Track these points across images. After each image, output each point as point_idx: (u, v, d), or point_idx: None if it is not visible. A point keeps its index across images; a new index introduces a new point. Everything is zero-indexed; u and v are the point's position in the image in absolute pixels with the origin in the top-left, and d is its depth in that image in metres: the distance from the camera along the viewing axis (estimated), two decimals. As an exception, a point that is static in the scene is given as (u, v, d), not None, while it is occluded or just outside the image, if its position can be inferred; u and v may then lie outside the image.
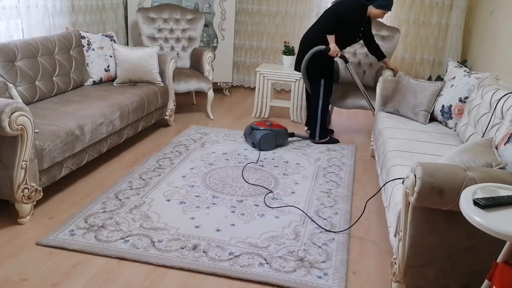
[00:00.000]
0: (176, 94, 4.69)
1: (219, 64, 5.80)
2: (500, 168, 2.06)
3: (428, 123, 3.55)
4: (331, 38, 4.14)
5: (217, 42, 5.91)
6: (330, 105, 4.61)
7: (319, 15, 5.94)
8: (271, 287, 2.25)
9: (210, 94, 4.92)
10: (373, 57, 4.91)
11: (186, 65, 5.25)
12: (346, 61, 4.33)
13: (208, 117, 4.98)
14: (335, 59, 4.27)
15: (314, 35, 4.23)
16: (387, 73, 4.40)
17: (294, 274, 2.33)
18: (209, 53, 5.00)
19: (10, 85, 2.87)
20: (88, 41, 4.08)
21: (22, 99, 3.17)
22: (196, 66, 5.13)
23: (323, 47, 4.13)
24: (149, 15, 5.18)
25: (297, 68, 4.43)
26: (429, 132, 3.34)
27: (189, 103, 5.57)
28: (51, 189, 3.10)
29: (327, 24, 4.16)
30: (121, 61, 4.16)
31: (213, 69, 5.15)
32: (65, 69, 3.79)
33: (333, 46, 4.13)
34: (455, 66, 3.57)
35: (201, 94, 5.33)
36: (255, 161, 3.80)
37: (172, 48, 5.24)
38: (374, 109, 4.27)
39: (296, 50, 5.76)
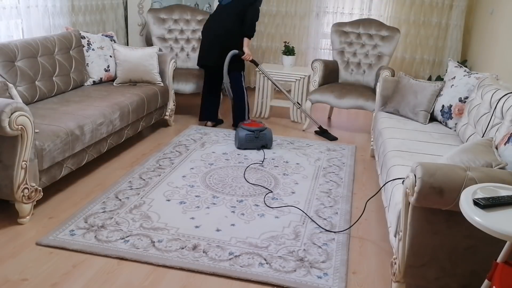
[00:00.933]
0: (185, 94, 4.72)
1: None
2: (500, 168, 2.06)
3: (428, 123, 3.55)
4: (249, 42, 4.39)
5: (217, 42, 5.91)
6: (329, 106, 4.61)
7: (319, 15, 6.00)
8: (271, 287, 2.25)
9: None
10: (373, 57, 4.92)
11: (196, 66, 5.24)
12: (256, 64, 4.57)
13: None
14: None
15: (234, 33, 4.36)
16: (385, 73, 4.40)
17: (294, 274, 2.33)
18: None
19: (10, 85, 2.87)
20: (88, 41, 4.08)
21: (22, 99, 3.17)
22: None
23: (236, 51, 4.31)
24: (159, 15, 5.18)
25: (208, 61, 4.47)
26: (429, 132, 3.34)
27: (197, 104, 5.50)
28: (51, 189, 3.10)
29: (251, 27, 4.33)
30: (121, 61, 4.16)
31: None
32: (65, 69, 3.79)
33: (247, 50, 4.40)
34: (455, 66, 3.57)
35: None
36: (261, 162, 3.78)
37: (182, 49, 5.24)
38: (299, 104, 4.68)
39: (297, 50, 5.79)
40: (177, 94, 4.74)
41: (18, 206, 2.66)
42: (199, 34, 5.27)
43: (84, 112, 3.27)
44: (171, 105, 4.54)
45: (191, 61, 5.25)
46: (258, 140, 4.03)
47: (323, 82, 4.84)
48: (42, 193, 2.76)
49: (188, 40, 5.27)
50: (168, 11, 5.24)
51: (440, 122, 3.55)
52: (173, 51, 5.20)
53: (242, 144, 4.05)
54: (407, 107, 3.66)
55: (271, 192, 3.26)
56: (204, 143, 4.17)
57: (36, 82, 3.45)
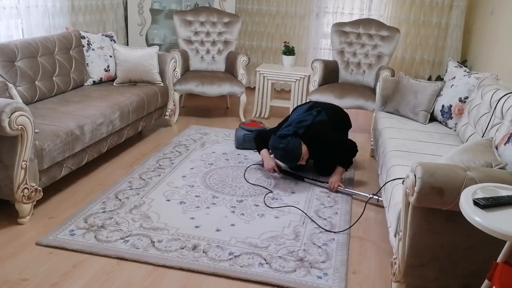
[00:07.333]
0: (209, 97, 4.58)
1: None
2: (500, 168, 2.06)
3: (428, 123, 3.55)
4: (262, 154, 3.61)
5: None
6: None
7: (319, 15, 6.01)
8: (271, 287, 2.25)
9: (243, 98, 4.84)
10: (373, 57, 4.92)
11: (221, 69, 5.21)
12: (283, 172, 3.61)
13: (240, 121, 4.88)
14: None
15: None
16: (385, 73, 4.40)
17: (294, 274, 2.33)
18: (243, 57, 4.90)
19: (10, 85, 2.87)
20: (88, 41, 4.08)
21: (22, 99, 3.17)
22: (230, 70, 5.09)
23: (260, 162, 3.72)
24: (186, 18, 5.14)
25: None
26: (429, 132, 3.34)
27: (223, 107, 5.50)
28: (51, 189, 3.10)
29: (350, 160, 3.50)
30: (121, 61, 4.15)
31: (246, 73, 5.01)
32: (65, 69, 3.79)
33: (265, 163, 3.54)
34: (455, 66, 3.57)
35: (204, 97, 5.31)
36: (261, 163, 3.78)
37: (208, 51, 5.19)
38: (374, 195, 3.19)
39: (297, 50, 5.80)
40: (189, 95, 4.67)
41: (18, 206, 2.66)
42: (225, 37, 5.21)
43: (84, 112, 3.27)
44: (171, 105, 4.54)
45: (216, 63, 5.20)
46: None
47: (323, 82, 4.84)
48: (42, 193, 2.76)
49: (214, 43, 5.21)
50: (195, 13, 5.19)
51: (440, 122, 3.55)
52: (199, 53, 5.16)
53: (240, 144, 4.04)
54: (407, 107, 3.65)
55: (271, 192, 3.26)
56: (204, 143, 4.17)
57: (36, 82, 3.45)
